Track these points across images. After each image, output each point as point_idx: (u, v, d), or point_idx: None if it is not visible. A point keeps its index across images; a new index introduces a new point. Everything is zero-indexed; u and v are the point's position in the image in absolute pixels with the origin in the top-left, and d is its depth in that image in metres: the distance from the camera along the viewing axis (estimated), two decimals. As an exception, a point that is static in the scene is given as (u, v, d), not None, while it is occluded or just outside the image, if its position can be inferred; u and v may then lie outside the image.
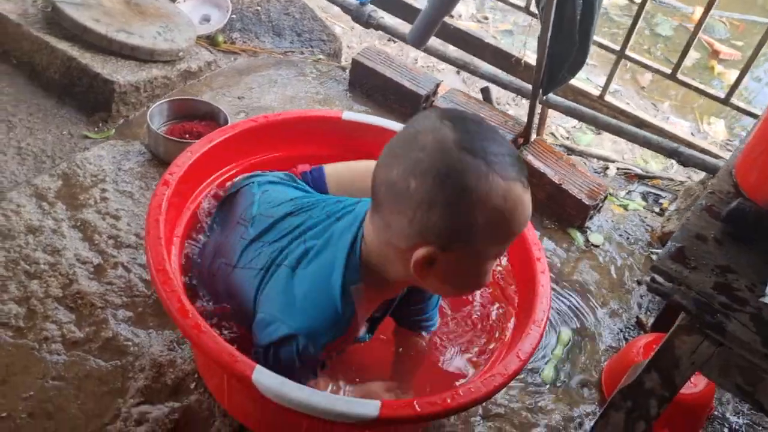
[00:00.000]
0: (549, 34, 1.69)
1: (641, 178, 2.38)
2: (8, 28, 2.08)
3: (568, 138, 2.95)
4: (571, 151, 2.60)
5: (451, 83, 3.03)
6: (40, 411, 1.33)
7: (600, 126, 1.97)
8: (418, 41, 1.59)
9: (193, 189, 1.46)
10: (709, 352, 0.89)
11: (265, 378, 1.07)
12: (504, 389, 1.53)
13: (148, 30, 2.14)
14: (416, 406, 1.09)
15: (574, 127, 3.04)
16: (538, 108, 2.12)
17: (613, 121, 1.95)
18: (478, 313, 1.50)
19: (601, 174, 2.37)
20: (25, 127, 1.94)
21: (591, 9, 1.67)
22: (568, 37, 1.71)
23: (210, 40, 2.41)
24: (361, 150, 1.64)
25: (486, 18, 4.04)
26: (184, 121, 1.95)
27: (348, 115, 1.63)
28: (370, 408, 1.07)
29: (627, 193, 2.28)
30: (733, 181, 1.04)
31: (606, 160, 2.54)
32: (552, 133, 2.94)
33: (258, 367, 1.08)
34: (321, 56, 2.53)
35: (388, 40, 3.28)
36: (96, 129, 1.99)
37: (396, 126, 1.63)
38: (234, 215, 1.32)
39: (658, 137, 1.91)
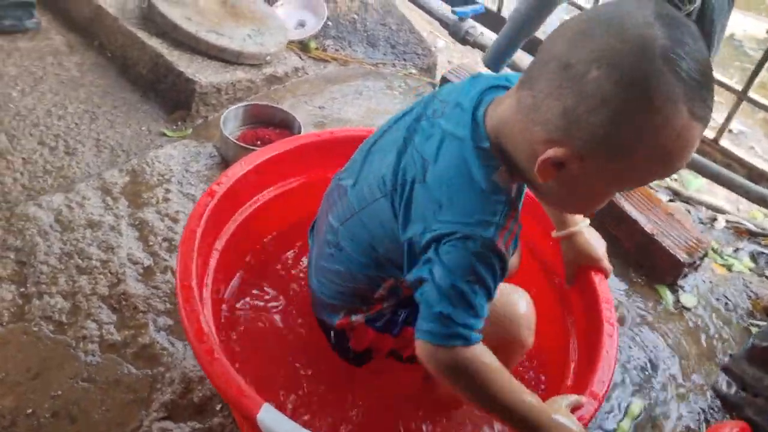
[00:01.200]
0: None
1: (753, 235, 2.11)
2: (106, 21, 2.12)
3: (676, 179, 2.69)
4: (677, 195, 2.36)
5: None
6: (65, 412, 1.30)
7: (707, 176, 1.75)
8: (494, 64, 1.45)
9: (244, 201, 1.40)
10: (788, 487, 0.71)
11: (271, 419, 0.98)
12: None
13: (238, 32, 2.12)
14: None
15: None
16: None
17: (724, 171, 1.73)
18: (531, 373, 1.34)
19: (708, 226, 2.12)
20: (107, 119, 1.96)
21: (709, 39, 1.47)
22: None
23: (302, 46, 2.37)
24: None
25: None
26: (258, 127, 1.90)
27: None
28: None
29: (734, 251, 2.02)
30: None
31: (716, 210, 2.28)
32: (658, 173, 2.70)
33: (266, 406, 0.99)
34: (413, 70, 2.43)
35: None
36: (174, 127, 1.99)
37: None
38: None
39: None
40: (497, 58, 1.42)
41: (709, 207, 2.31)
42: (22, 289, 1.46)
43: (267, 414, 0.98)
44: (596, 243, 1.28)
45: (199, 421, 1.32)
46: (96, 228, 1.61)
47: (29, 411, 1.29)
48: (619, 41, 0.80)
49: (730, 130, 3.29)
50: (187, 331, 1.07)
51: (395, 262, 1.05)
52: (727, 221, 2.16)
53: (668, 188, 2.43)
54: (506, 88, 0.99)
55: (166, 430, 1.30)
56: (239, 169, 1.36)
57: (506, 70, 1.95)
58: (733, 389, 0.72)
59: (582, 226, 1.27)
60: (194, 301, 1.11)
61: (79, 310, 1.45)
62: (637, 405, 1.51)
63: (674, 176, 2.72)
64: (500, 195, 0.93)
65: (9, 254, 1.52)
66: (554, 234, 1.30)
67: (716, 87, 1.84)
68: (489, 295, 0.94)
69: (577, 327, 1.32)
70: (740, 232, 2.13)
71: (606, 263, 1.26)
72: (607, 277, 1.28)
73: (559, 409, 1.03)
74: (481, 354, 0.94)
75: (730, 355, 0.75)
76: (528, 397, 0.96)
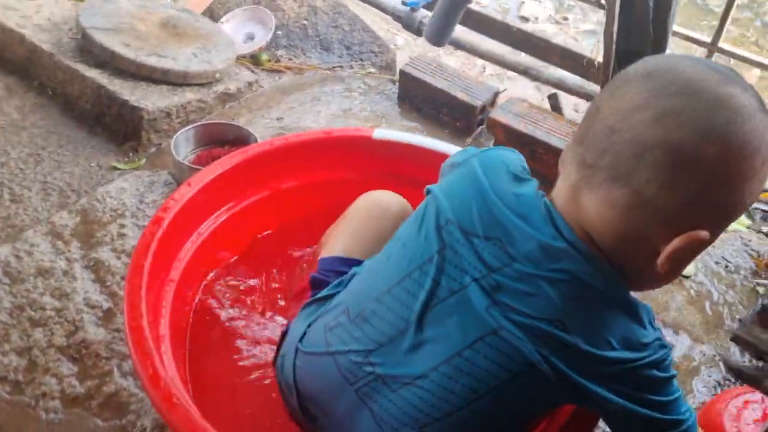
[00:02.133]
0: (616, 26, 1.41)
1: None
2: (42, 58, 2.01)
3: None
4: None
5: (523, 92, 2.77)
6: (28, 480, 1.19)
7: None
8: (436, 38, 1.36)
9: (198, 223, 1.30)
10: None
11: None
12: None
13: (182, 52, 2.02)
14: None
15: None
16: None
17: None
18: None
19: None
20: (54, 160, 1.85)
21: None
22: (640, 28, 1.42)
23: (254, 59, 2.27)
24: (397, 173, 1.43)
25: (566, 19, 3.74)
26: (213, 147, 1.80)
27: (380, 134, 1.42)
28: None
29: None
30: None
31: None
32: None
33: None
34: (372, 69, 2.33)
35: (455, 49, 3.05)
36: (126, 159, 1.88)
37: (439, 145, 1.41)
38: None
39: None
40: (438, 34, 1.33)
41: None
42: (-28, 352, 1.35)
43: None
44: None
45: (176, 469, 1.21)
46: (48, 275, 1.49)
47: (-12, 485, 1.18)
48: (711, 109, 0.74)
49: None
50: (140, 377, 0.97)
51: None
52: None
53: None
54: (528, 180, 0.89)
55: (142, 485, 1.19)
56: (187, 191, 1.26)
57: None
58: (747, 359, 0.63)
59: None
60: (146, 343, 1.00)
61: (35, 365, 1.34)
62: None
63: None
64: (638, 305, 0.85)
65: (-45, 315, 1.41)
66: None
67: (686, 43, 1.75)
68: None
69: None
70: None
71: None
72: None
73: None
74: None
75: (740, 320, 0.66)
76: None
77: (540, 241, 0.81)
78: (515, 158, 0.93)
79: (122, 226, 1.62)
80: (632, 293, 0.85)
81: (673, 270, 0.82)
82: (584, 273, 0.80)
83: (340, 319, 0.96)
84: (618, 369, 0.81)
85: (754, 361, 0.63)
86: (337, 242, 1.17)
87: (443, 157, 1.36)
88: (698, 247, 0.79)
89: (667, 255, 0.78)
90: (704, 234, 0.76)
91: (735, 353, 1.44)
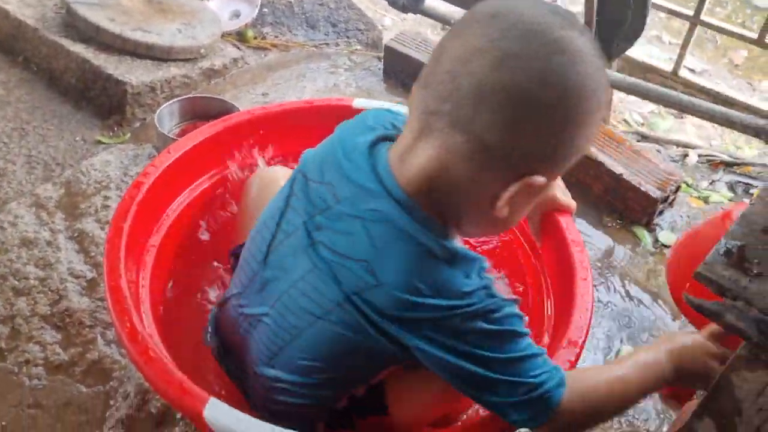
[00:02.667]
0: (596, -4, 1.42)
1: (728, 165, 2.04)
2: (27, 33, 2.01)
3: (643, 124, 2.62)
4: (645, 138, 2.29)
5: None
6: (11, 443, 1.20)
7: (670, 104, 1.67)
8: (413, 3, 1.36)
9: (179, 192, 1.30)
10: (784, 397, 0.62)
11: (219, 413, 0.88)
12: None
13: (167, 27, 2.02)
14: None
15: (652, 111, 2.70)
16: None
17: (685, 97, 1.64)
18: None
19: (680, 162, 2.05)
20: (38, 134, 1.85)
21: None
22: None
23: (239, 36, 2.27)
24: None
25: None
26: (198, 121, 1.80)
27: (360, 102, 1.42)
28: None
29: (710, 184, 1.94)
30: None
31: (686, 146, 2.20)
32: (624, 120, 2.62)
33: (212, 400, 0.89)
34: (358, 46, 2.34)
35: (443, 28, 3.05)
36: (111, 133, 1.88)
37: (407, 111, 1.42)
38: None
39: (741, 114, 1.59)
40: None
41: (680, 145, 2.24)
42: (-45, 320, 1.36)
43: (214, 409, 0.88)
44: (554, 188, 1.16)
45: (159, 432, 1.22)
46: (31, 246, 1.50)
47: (-28, 448, 1.18)
48: (551, 52, 0.73)
49: (693, 70, 3.23)
50: (119, 333, 0.97)
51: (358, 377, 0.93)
52: (699, 155, 2.09)
53: (636, 132, 2.36)
54: (388, 137, 0.87)
55: (125, 447, 1.20)
56: (167, 157, 1.26)
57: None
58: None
59: None
60: (125, 300, 1.00)
61: (18, 333, 1.34)
62: (628, 351, 1.43)
63: (641, 121, 2.65)
64: (472, 258, 0.82)
65: (-62, 285, 1.41)
66: None
67: (669, 18, 1.75)
68: (523, 334, 0.83)
69: (549, 273, 1.23)
70: (714, 164, 2.06)
71: (566, 200, 1.16)
72: (571, 213, 1.18)
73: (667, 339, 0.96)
74: (573, 396, 0.83)
75: (704, 263, 0.67)
76: (636, 372, 0.90)
77: (358, 184, 0.83)
78: (387, 115, 0.94)
79: (106, 198, 1.62)
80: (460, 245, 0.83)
81: (512, 215, 0.82)
82: (396, 217, 0.79)
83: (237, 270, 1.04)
84: (431, 316, 0.79)
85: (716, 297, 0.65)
86: (241, 232, 1.19)
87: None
88: (536, 191, 0.80)
89: (506, 200, 0.78)
90: (541, 180, 0.77)
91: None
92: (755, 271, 0.64)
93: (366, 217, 0.82)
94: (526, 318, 0.86)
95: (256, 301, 0.94)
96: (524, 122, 0.74)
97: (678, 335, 0.96)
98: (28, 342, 1.33)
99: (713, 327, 0.94)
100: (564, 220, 1.19)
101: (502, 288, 0.83)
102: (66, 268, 1.46)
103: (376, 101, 1.43)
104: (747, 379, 0.64)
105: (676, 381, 0.91)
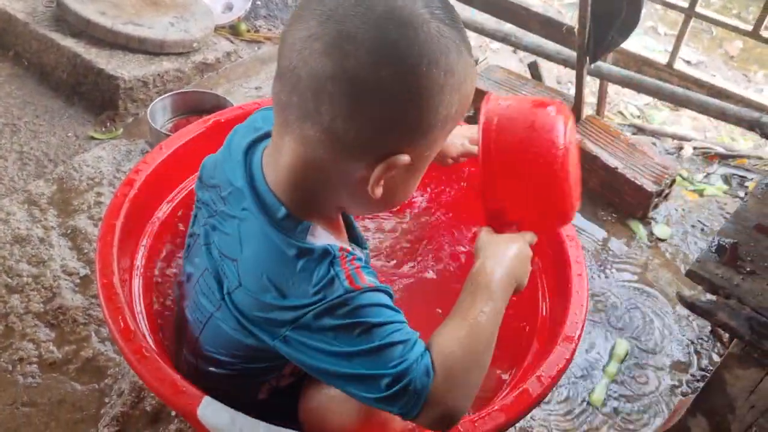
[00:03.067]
0: (590, -12, 1.41)
1: (723, 157, 2.03)
2: (17, 27, 1.99)
3: (639, 117, 2.61)
4: (641, 130, 2.28)
5: (506, 62, 2.76)
6: (6, 442, 1.19)
7: (664, 97, 1.66)
8: None
9: (171, 189, 1.29)
10: (778, 395, 0.62)
11: (213, 412, 0.88)
12: (545, 413, 1.30)
13: (159, 20, 2.00)
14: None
15: (647, 104, 2.68)
16: (596, 82, 1.83)
17: (679, 89, 1.64)
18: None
19: (675, 155, 2.04)
20: (30, 130, 1.84)
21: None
22: (614, -10, 1.42)
23: (233, 30, 2.26)
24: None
25: (552, -6, 3.73)
26: (191, 116, 1.79)
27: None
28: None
29: (705, 176, 1.94)
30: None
31: (682, 138, 2.20)
32: (620, 112, 2.61)
33: (206, 399, 0.88)
34: (352, 40, 2.32)
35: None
36: (103, 129, 1.87)
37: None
38: None
39: (735, 107, 1.58)
40: None
41: (676, 137, 2.24)
42: (-52, 319, 1.35)
43: (208, 407, 0.88)
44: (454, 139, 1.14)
45: (154, 429, 1.22)
46: (24, 243, 1.49)
47: (-34, 447, 1.18)
48: (381, 27, 0.69)
49: (689, 62, 3.23)
50: (112, 332, 0.97)
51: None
52: (695, 148, 2.09)
53: (632, 125, 2.35)
54: (266, 135, 0.86)
55: (120, 445, 1.20)
56: (158, 154, 1.25)
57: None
58: (702, 295, 0.64)
59: None
60: (117, 299, 1.00)
61: (12, 331, 1.34)
62: (622, 346, 1.43)
63: (637, 113, 2.64)
64: (322, 252, 0.78)
65: (-70, 283, 1.40)
66: None
67: (664, 10, 1.75)
68: (381, 324, 0.78)
69: (544, 266, 1.23)
70: (710, 157, 2.06)
71: (465, 147, 1.12)
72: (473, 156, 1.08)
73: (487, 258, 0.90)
74: (442, 379, 0.78)
75: (697, 261, 0.66)
76: (476, 315, 0.83)
77: (235, 185, 0.84)
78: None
79: (99, 194, 1.61)
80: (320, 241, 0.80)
81: (393, 192, 0.80)
82: (257, 216, 0.80)
83: None
84: (283, 318, 0.78)
85: (708, 296, 0.64)
86: None
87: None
88: (404, 169, 0.77)
89: (375, 182, 0.76)
90: (404, 158, 0.75)
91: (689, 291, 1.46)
92: (748, 269, 0.64)
93: (239, 216, 0.83)
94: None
95: (189, 293, 0.98)
96: (366, 107, 0.71)
97: (479, 253, 0.92)
98: (22, 340, 1.33)
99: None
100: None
101: (365, 277, 0.77)
102: (59, 266, 1.46)
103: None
104: (739, 376, 0.64)
105: (509, 290, 0.88)
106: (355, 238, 0.95)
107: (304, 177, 0.79)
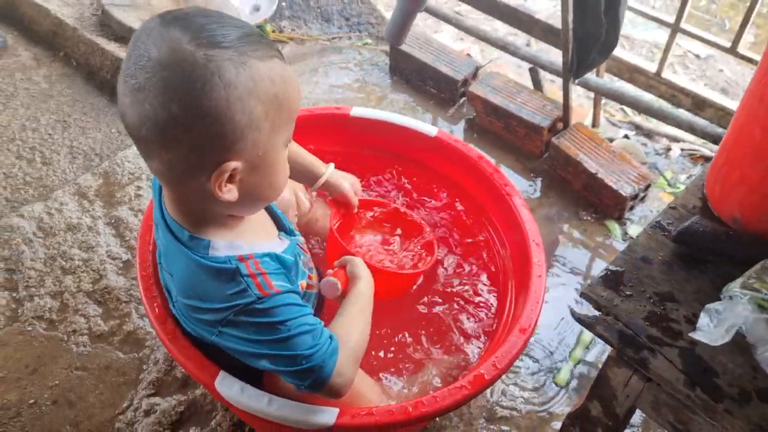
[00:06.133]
0: (570, 16, 1.57)
1: (708, 159, 2.19)
2: (67, 32, 2.22)
3: (641, 114, 2.75)
4: (639, 128, 2.43)
5: (509, 66, 2.90)
6: (63, 399, 1.45)
7: (641, 110, 1.83)
8: (396, 38, 1.53)
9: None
10: (639, 387, 0.82)
11: (227, 385, 1.10)
12: (517, 389, 1.50)
13: (192, 26, 2.21)
14: (374, 414, 1.09)
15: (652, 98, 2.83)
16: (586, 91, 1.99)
17: (655, 104, 1.80)
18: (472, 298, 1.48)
19: (663, 156, 2.20)
20: (79, 126, 2.08)
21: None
22: (593, 18, 1.59)
23: (259, 30, 2.45)
24: (367, 144, 1.64)
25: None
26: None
27: (357, 111, 1.62)
28: (326, 416, 1.08)
29: (688, 178, 2.10)
30: (702, 194, 0.94)
31: (676, 140, 2.35)
32: (622, 109, 2.76)
33: (222, 373, 1.11)
34: (368, 40, 2.50)
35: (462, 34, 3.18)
36: (142, 126, 2.09)
37: (407, 121, 1.61)
38: None
39: (705, 121, 1.74)
40: (397, 32, 1.50)
41: (669, 137, 2.39)
42: (14, 294, 1.60)
43: (224, 381, 1.11)
44: (344, 181, 1.42)
45: (183, 393, 1.46)
46: (75, 230, 1.74)
47: (31, 401, 1.43)
48: (162, 69, 0.82)
49: (698, 55, 3.33)
50: (148, 315, 1.20)
51: None
52: (682, 149, 2.24)
53: (631, 122, 2.50)
54: None
55: (155, 405, 1.44)
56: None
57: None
58: (588, 311, 0.83)
59: (328, 172, 1.39)
60: (153, 288, 1.23)
61: (67, 307, 1.59)
62: (589, 333, 1.62)
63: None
64: (226, 261, 0.96)
65: (-2, 264, 1.66)
66: (311, 190, 1.43)
67: (651, 23, 1.89)
68: (291, 318, 0.98)
69: (513, 266, 1.43)
70: (696, 158, 2.21)
71: (352, 198, 1.42)
72: (352, 209, 1.44)
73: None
74: (345, 360, 1.02)
75: (589, 284, 0.85)
76: (353, 312, 1.13)
77: (156, 216, 1.04)
78: None
79: (138, 188, 1.85)
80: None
81: (255, 189, 0.94)
82: (173, 240, 0.99)
83: None
84: (212, 318, 0.98)
85: (593, 312, 0.83)
86: None
87: (411, 131, 1.58)
88: (248, 170, 0.90)
89: (218, 190, 0.89)
90: (231, 165, 0.87)
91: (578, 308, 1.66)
92: (627, 293, 0.84)
93: (164, 241, 1.02)
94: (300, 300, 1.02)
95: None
96: (174, 139, 0.84)
97: (361, 276, 1.19)
98: (75, 314, 1.58)
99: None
100: (526, 219, 1.40)
101: (272, 282, 0.98)
102: (105, 251, 1.70)
103: (371, 110, 1.62)
104: (617, 374, 0.84)
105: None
106: (283, 228, 1.17)
107: (180, 201, 0.97)
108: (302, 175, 1.39)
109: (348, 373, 1.03)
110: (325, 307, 1.28)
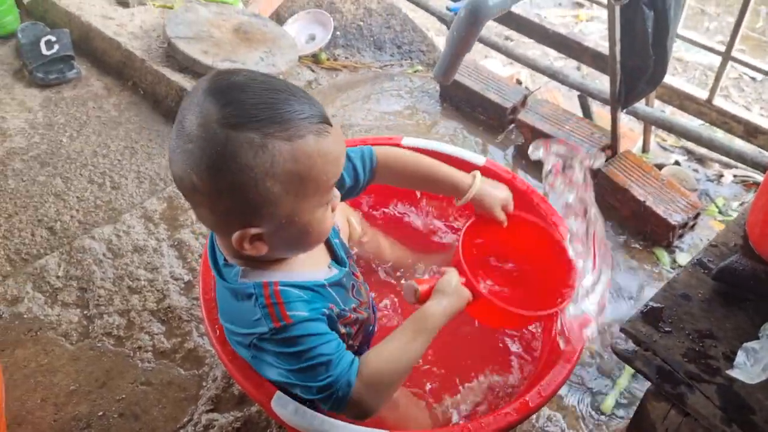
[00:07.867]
0: (617, 47, 1.61)
1: (761, 186, 2.16)
2: (135, 63, 2.36)
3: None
4: (691, 153, 2.43)
5: (560, 90, 2.93)
6: (129, 413, 1.54)
7: (691, 139, 1.84)
8: (443, 77, 1.59)
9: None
10: (678, 421, 0.85)
11: (280, 406, 1.16)
12: (561, 414, 1.52)
13: (251, 56, 2.32)
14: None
15: (703, 124, 2.81)
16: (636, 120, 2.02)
17: (705, 134, 1.81)
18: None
19: (715, 182, 2.20)
20: (145, 152, 2.20)
21: (665, 21, 1.57)
22: (641, 51, 1.62)
23: (314, 58, 2.55)
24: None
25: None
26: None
27: (408, 141, 1.68)
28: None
29: (740, 205, 2.09)
30: (744, 232, 0.96)
31: (726, 165, 2.34)
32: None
33: (278, 393, 1.17)
34: (419, 67, 2.57)
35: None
36: (204, 152, 2.20)
37: (455, 151, 1.66)
38: None
39: (756, 151, 1.74)
40: (445, 72, 1.56)
41: (721, 163, 2.37)
42: (85, 312, 1.71)
43: (279, 401, 1.17)
44: (491, 198, 1.35)
45: (240, 410, 1.53)
46: (141, 252, 1.84)
47: (100, 414, 1.53)
48: (188, 141, 0.89)
49: (754, 78, 3.28)
50: (210, 337, 1.28)
51: None
52: (734, 176, 2.23)
53: (683, 147, 2.49)
54: None
55: (214, 421, 1.51)
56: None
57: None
58: (629, 346, 0.86)
59: (475, 185, 1.34)
60: (214, 311, 1.31)
61: (133, 324, 1.69)
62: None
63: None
64: (249, 287, 1.04)
65: (72, 283, 1.77)
66: (457, 203, 1.37)
67: (701, 49, 1.90)
68: (311, 347, 1.02)
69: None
70: (748, 185, 2.19)
71: (498, 215, 1.35)
72: (502, 224, 1.37)
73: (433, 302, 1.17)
74: (364, 387, 1.04)
75: (629, 320, 0.89)
76: (409, 342, 1.11)
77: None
78: None
79: (200, 211, 1.95)
80: None
81: (276, 248, 1.01)
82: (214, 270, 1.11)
83: None
84: (243, 341, 1.07)
85: (632, 346, 0.86)
86: None
87: (459, 161, 1.62)
88: (268, 234, 0.97)
89: (239, 247, 0.97)
90: (252, 230, 0.95)
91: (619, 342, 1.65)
92: (666, 329, 0.88)
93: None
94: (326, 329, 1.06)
95: None
96: (203, 205, 0.96)
97: (438, 295, 1.17)
98: (140, 332, 1.67)
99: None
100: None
101: (287, 313, 1.02)
102: (168, 272, 1.80)
103: (424, 140, 1.68)
104: (656, 407, 0.88)
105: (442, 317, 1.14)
106: (335, 257, 1.22)
107: (220, 240, 1.08)
108: (441, 191, 1.43)
109: (368, 400, 1.05)
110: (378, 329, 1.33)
